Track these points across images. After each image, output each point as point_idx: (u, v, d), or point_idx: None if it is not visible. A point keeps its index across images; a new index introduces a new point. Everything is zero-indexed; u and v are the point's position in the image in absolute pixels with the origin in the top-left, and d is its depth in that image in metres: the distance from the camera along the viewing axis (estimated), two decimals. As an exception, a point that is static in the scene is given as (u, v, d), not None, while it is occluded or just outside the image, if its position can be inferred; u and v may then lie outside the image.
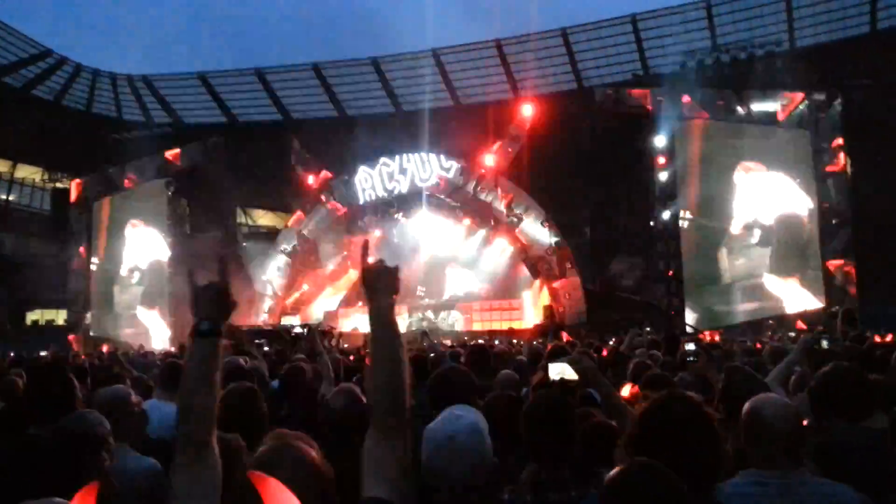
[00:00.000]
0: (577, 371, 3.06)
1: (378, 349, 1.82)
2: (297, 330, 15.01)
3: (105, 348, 18.12)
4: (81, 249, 26.59)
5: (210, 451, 1.67)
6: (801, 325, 15.23)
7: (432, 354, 6.96)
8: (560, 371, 3.08)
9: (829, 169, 19.03)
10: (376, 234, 24.61)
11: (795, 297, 19.12)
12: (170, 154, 26.42)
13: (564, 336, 10.33)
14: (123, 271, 26.41)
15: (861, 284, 18.37)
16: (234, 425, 2.37)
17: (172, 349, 15.43)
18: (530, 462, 2.60)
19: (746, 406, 2.45)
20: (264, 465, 1.63)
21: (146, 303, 25.75)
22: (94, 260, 26.84)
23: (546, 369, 3.21)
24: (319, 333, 8.37)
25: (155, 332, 25.03)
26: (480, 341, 12.25)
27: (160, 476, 3.23)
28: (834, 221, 18.91)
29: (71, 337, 24.80)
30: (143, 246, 26.23)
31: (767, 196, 19.51)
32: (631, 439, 2.00)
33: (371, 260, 1.92)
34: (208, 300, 1.74)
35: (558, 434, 2.58)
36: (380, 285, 1.85)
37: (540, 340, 13.50)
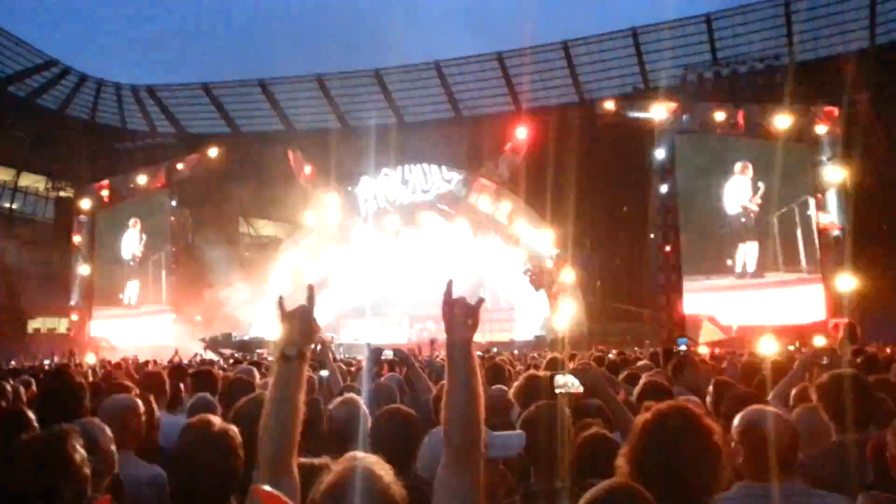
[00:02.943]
0: (583, 383, 3.03)
1: (455, 383, 1.85)
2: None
3: (97, 357, 18.07)
4: (83, 257, 26.68)
5: (289, 471, 1.78)
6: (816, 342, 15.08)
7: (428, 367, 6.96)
8: (565, 382, 3.03)
9: (828, 183, 19.09)
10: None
11: (795, 310, 19.19)
12: (173, 164, 26.56)
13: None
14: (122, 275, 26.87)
15: (861, 297, 18.38)
16: (247, 437, 2.40)
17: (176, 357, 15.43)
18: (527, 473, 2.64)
19: (743, 419, 2.48)
20: (336, 489, 1.55)
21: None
22: (96, 268, 26.97)
23: (551, 380, 3.19)
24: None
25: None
26: (478, 353, 12.24)
27: (164, 484, 3.28)
28: (834, 235, 18.94)
29: (72, 345, 24.81)
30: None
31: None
32: (632, 449, 2.03)
33: (453, 297, 1.92)
34: (296, 326, 1.89)
35: (551, 445, 2.62)
36: (460, 320, 1.87)
37: (538, 354, 13.56)
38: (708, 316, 19.90)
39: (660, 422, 2.01)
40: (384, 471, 1.56)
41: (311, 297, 1.97)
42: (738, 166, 20.08)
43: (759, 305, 19.33)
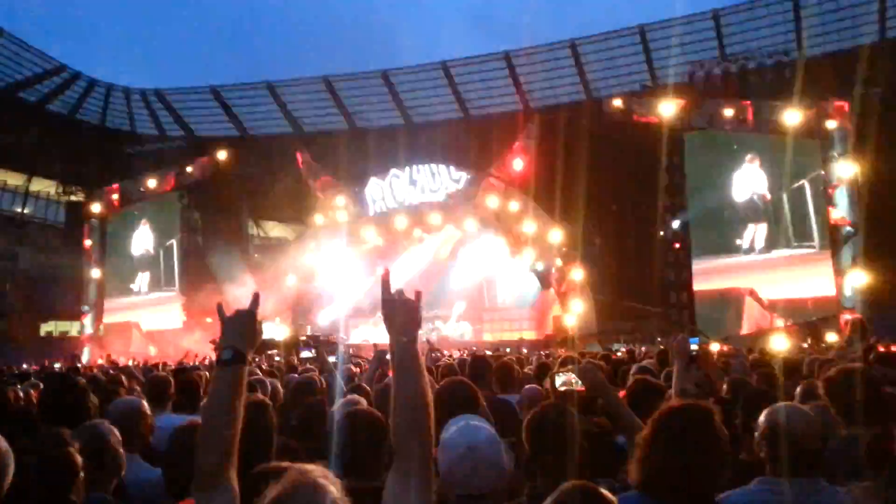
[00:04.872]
0: (584, 382, 3.03)
1: (400, 389, 1.73)
2: (305, 354, 14.93)
3: (106, 359, 18.22)
4: (94, 261, 26.86)
5: (226, 480, 1.66)
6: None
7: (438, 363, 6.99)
8: (567, 381, 3.05)
9: (839, 178, 18.94)
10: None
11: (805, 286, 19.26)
12: (182, 167, 26.70)
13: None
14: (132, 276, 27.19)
15: (872, 293, 18.24)
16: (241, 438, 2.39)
17: (187, 359, 15.56)
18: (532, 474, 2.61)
19: (767, 416, 2.49)
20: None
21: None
22: (108, 269, 27.18)
23: (553, 379, 3.18)
24: (326, 346, 8.38)
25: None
26: (487, 352, 12.24)
27: (163, 487, 3.29)
28: (844, 231, 18.80)
29: (83, 348, 25.00)
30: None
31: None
32: (644, 444, 2.04)
33: (391, 291, 1.81)
34: (234, 329, 1.80)
35: (557, 446, 2.59)
36: (400, 321, 1.77)
37: (548, 352, 13.53)
38: (749, 290, 19.91)
39: (671, 417, 2.02)
40: (333, 486, 1.46)
41: (255, 303, 1.87)
42: (748, 157, 20.20)
43: (769, 282, 19.42)
